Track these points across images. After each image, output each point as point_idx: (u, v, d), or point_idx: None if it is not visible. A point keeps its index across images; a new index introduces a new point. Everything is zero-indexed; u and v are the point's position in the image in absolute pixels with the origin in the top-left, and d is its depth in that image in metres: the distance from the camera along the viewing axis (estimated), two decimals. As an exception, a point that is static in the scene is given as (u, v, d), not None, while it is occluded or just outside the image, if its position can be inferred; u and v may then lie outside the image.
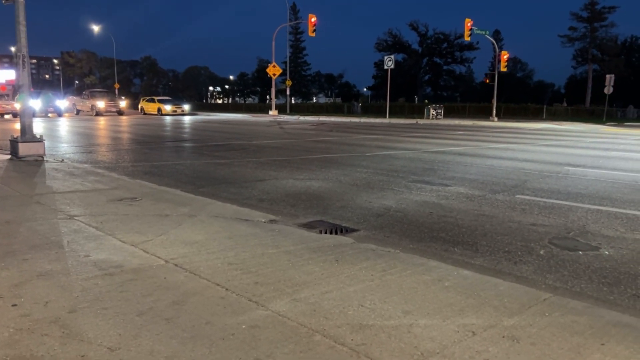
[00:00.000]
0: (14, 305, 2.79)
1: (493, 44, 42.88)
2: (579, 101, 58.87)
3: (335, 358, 2.27)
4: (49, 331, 2.47)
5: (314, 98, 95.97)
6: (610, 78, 34.56)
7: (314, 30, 37.60)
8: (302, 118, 37.76)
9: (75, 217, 4.87)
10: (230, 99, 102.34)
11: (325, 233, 4.70)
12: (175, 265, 3.51)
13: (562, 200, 6.45)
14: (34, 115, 12.54)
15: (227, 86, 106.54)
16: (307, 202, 6.25)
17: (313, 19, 37.11)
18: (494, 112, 36.77)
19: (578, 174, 8.86)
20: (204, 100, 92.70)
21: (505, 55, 37.27)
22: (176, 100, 48.08)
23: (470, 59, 76.19)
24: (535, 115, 44.01)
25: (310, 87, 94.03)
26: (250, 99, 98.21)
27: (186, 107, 44.41)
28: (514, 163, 10.44)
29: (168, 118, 36.29)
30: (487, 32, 37.99)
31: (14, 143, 9.70)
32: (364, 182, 7.81)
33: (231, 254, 3.79)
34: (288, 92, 49.20)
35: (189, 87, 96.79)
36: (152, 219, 4.88)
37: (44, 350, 2.28)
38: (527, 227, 5.11)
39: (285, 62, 50.63)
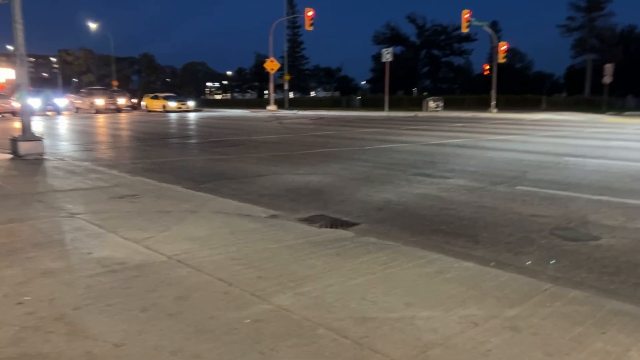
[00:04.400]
0: (19, 303, 2.80)
1: (491, 35, 42.76)
2: (578, 91, 58.69)
3: (338, 351, 2.28)
4: (54, 328, 2.49)
5: (313, 92, 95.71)
6: (609, 67, 34.45)
7: (312, 24, 37.45)
8: (300, 112, 37.71)
9: (77, 215, 4.89)
10: (229, 95, 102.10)
11: (326, 227, 4.71)
12: (178, 261, 3.53)
13: (563, 191, 6.46)
14: (33, 113, 12.53)
15: (225, 82, 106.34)
16: (308, 197, 6.27)
17: (310, 13, 36.95)
18: (493, 103, 36.70)
19: (578, 164, 8.86)
20: (202, 97, 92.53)
21: (503, 46, 37.16)
22: (180, 96, 48.10)
23: (468, 51, 76.15)
24: (535, 106, 43.88)
25: (309, 81, 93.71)
26: (248, 94, 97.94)
27: (191, 103, 44.47)
28: (513, 154, 10.45)
29: (172, 115, 36.24)
30: (486, 24, 37.88)
31: (14, 142, 9.71)
32: (364, 176, 7.82)
33: (233, 249, 3.81)
34: (286, 87, 49.07)
35: (187, 83, 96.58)
36: (154, 215, 4.90)
37: (49, 348, 2.30)
38: (528, 218, 5.13)
39: (283, 57, 50.48)
